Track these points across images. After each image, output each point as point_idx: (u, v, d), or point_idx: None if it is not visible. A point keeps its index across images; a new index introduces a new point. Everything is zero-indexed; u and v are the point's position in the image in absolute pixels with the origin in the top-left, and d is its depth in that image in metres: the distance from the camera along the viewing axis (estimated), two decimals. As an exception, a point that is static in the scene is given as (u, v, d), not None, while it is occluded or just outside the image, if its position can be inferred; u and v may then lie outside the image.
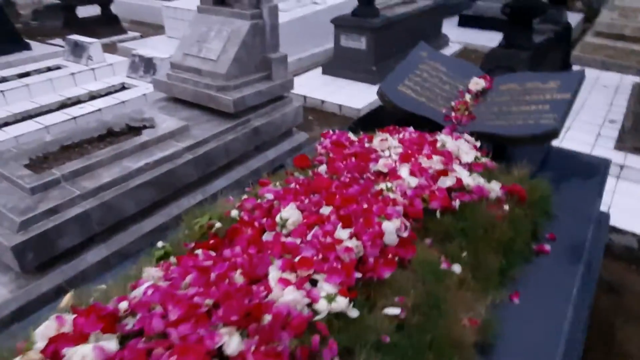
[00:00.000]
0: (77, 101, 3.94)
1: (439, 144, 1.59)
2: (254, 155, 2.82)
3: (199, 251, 1.07)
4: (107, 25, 7.18)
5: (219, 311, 0.86)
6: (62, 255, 1.93)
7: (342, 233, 1.08)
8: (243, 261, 1.01)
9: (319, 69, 5.25)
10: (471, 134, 1.82)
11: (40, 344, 0.83)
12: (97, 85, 4.23)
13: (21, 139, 3.22)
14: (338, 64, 5.04)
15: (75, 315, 0.88)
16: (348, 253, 1.02)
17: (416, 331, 0.97)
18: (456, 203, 1.30)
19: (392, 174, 1.38)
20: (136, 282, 1.00)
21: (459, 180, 1.36)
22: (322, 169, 1.43)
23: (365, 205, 1.20)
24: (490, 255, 1.29)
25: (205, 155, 2.43)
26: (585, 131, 3.70)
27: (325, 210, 1.19)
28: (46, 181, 1.93)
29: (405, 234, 1.13)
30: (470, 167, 1.52)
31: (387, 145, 1.56)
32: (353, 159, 1.50)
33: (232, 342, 0.81)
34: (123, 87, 4.29)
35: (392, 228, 1.12)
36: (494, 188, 1.41)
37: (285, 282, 0.95)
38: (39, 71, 4.56)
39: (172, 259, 1.09)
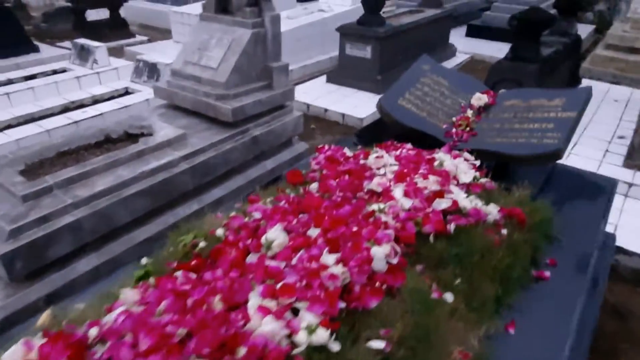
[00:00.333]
0: (80, 105, 3.94)
1: (436, 163, 1.54)
2: (252, 164, 2.78)
3: (178, 273, 1.03)
4: (116, 29, 7.23)
5: (192, 342, 0.82)
6: (52, 264, 1.90)
7: (329, 258, 1.03)
8: (223, 286, 0.97)
9: (324, 77, 5.23)
10: (472, 152, 1.77)
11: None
12: (100, 90, 4.24)
13: (22, 143, 3.22)
14: (343, 73, 5.01)
15: (43, 341, 0.84)
16: (333, 281, 0.97)
17: (402, 366, 0.92)
18: (451, 227, 1.25)
19: (386, 194, 1.34)
20: (111, 305, 0.96)
21: (454, 203, 1.31)
22: (314, 187, 1.39)
23: (355, 228, 1.15)
24: (486, 283, 1.23)
25: (202, 165, 2.40)
26: (593, 147, 3.62)
27: (313, 232, 1.15)
28: (38, 189, 1.90)
29: (394, 261, 1.08)
30: (469, 188, 1.47)
31: (383, 163, 1.52)
32: (347, 177, 1.45)
33: (202, 377, 0.77)
34: (126, 92, 4.30)
35: (381, 254, 1.07)
36: (492, 211, 1.36)
37: (264, 311, 0.90)
38: (45, 74, 4.58)
39: (152, 280, 1.05)
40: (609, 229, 2.15)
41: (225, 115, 2.56)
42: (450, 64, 5.92)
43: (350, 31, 4.83)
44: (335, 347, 0.88)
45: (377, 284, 1.03)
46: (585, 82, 4.90)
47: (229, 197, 2.58)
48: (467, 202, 1.34)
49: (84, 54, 4.76)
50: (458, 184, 1.47)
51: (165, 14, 7.39)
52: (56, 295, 1.86)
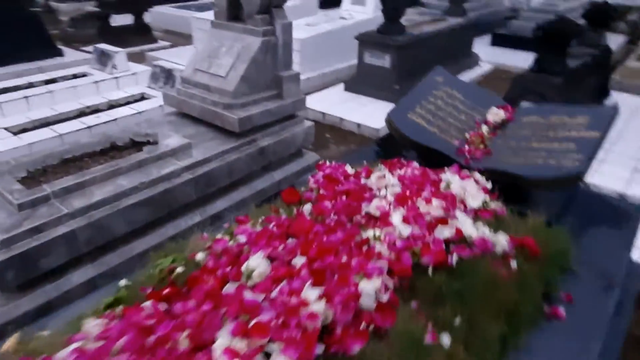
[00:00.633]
0: (95, 110, 3.95)
1: (442, 185, 1.42)
2: (259, 175, 2.71)
3: (147, 303, 0.95)
4: (139, 34, 7.32)
5: (146, 388, 0.74)
6: (45, 275, 1.86)
7: (311, 293, 0.93)
8: (193, 320, 0.89)
9: (342, 85, 5.14)
10: (484, 172, 1.65)
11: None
12: (117, 95, 4.25)
13: (35, 147, 3.23)
14: (361, 81, 4.91)
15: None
16: (312, 320, 0.88)
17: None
18: (453, 258, 1.14)
19: (384, 219, 1.23)
20: (70, 337, 0.88)
21: (458, 232, 1.20)
22: (307, 208, 1.30)
23: (344, 258, 1.05)
24: (490, 322, 1.11)
25: (206, 175, 2.34)
26: (621, 165, 3.42)
27: (299, 261, 1.05)
28: (35, 198, 1.87)
29: (385, 297, 0.98)
30: (477, 214, 1.35)
31: (385, 184, 1.41)
32: (345, 198, 1.35)
33: None
34: (142, 98, 4.29)
35: (370, 289, 0.97)
36: (501, 241, 1.24)
37: (231, 354, 0.81)
38: (64, 78, 4.63)
39: (120, 309, 0.97)
40: (635, 254, 1.99)
41: (231, 125, 2.49)
42: (472, 73, 5.76)
43: (369, 39, 4.74)
44: (307, 399, 0.79)
45: (363, 324, 0.92)
46: (615, 95, 4.67)
47: (233, 209, 2.51)
48: (473, 230, 1.23)
49: (103, 58, 4.80)
50: (465, 209, 1.35)
51: (189, 20, 7.44)
52: (49, 307, 1.82)
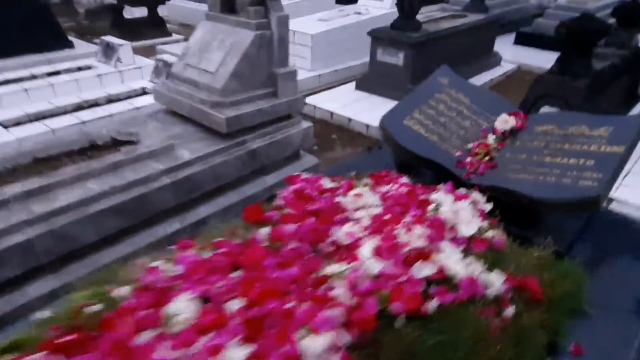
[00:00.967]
0: (94, 104, 3.83)
1: (431, 207, 1.20)
2: (249, 180, 2.52)
3: (36, 356, 0.77)
4: (153, 27, 7.23)
5: None
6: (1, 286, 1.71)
7: (237, 353, 0.74)
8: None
9: (354, 84, 4.91)
10: (486, 188, 1.42)
11: None
12: (118, 89, 4.12)
13: (25, 142, 3.12)
14: (373, 80, 4.67)
15: None
16: (228, 394, 0.68)
17: None
18: (431, 305, 0.92)
19: (353, 250, 1.03)
20: None
21: (441, 269, 0.98)
22: (264, 232, 1.09)
23: (291, 304, 0.85)
24: (474, 387, 0.90)
25: (187, 179, 2.16)
26: (652, 177, 3.11)
27: (235, 305, 0.86)
28: (-8, 202, 1.72)
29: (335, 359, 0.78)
30: (469, 245, 1.13)
31: (362, 203, 1.20)
32: (313, 220, 1.15)
33: None
34: (144, 92, 4.16)
35: (315, 348, 0.77)
36: (494, 282, 1.01)
37: None
38: (69, 70, 4.54)
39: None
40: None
41: (219, 125, 2.31)
42: (493, 74, 5.44)
43: (382, 35, 4.49)
44: None
45: (300, 398, 0.72)
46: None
47: (219, 216, 2.33)
48: (460, 266, 1.01)
49: (109, 51, 4.69)
50: (455, 239, 1.13)
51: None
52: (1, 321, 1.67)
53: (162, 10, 7.74)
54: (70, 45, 5.88)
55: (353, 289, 0.91)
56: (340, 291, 0.89)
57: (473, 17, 5.21)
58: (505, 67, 5.70)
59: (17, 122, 3.41)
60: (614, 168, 1.35)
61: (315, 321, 0.81)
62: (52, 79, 4.19)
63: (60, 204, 1.79)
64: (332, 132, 4.15)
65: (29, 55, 5.35)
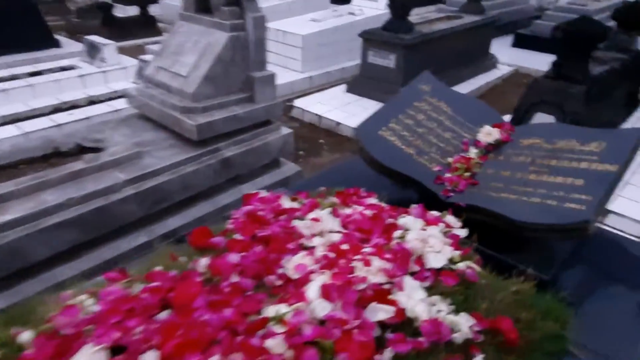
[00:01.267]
0: (72, 106, 3.70)
1: (397, 234, 1.07)
2: (224, 189, 2.39)
3: None
4: (144, 26, 7.11)
5: None
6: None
7: None
8: None
9: (344, 86, 4.78)
10: (465, 208, 1.29)
11: None
12: (98, 90, 4.00)
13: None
14: (364, 82, 4.54)
15: None
16: None
17: None
18: (385, 356, 0.79)
19: (301, 287, 0.89)
20: None
21: (400, 312, 0.85)
22: (202, 264, 0.96)
23: (215, 357, 0.72)
24: None
25: (154, 190, 2.03)
26: (649, 188, 2.97)
27: (148, 359, 0.72)
28: None
29: None
30: (437, 278, 1.00)
31: (320, 229, 1.07)
32: (261, 248, 1.02)
33: None
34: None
35: (233, 420, 0.63)
36: (462, 326, 0.88)
37: None
38: (51, 70, 4.41)
39: None
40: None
41: (189, 132, 2.18)
42: (489, 76, 5.31)
43: (374, 37, 4.36)
44: None
45: None
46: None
47: (190, 227, 2.19)
48: (422, 308, 0.88)
49: (92, 51, 4.56)
50: (421, 271, 1.00)
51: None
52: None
53: (155, 9, 7.61)
54: (56, 44, 5.75)
55: (293, 337, 0.78)
56: (274, 342, 0.75)
57: (468, 19, 5.08)
58: (502, 70, 5.57)
59: (-10, 125, 3.29)
60: (605, 190, 1.22)
61: (238, 383, 0.68)
62: (33, 80, 4.07)
63: (9, 217, 1.66)
64: (320, 136, 4.02)
65: (14, 55, 5.23)
